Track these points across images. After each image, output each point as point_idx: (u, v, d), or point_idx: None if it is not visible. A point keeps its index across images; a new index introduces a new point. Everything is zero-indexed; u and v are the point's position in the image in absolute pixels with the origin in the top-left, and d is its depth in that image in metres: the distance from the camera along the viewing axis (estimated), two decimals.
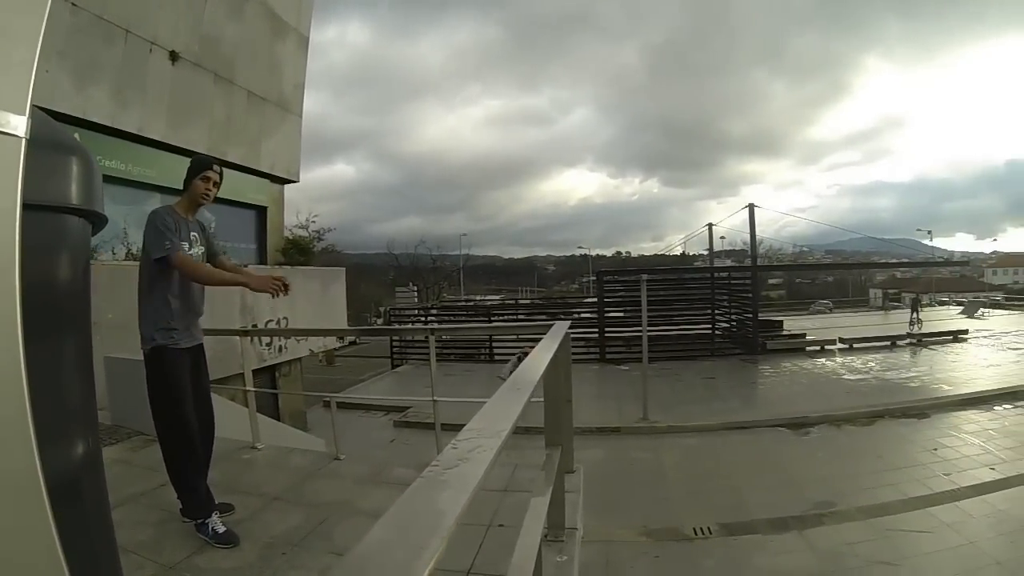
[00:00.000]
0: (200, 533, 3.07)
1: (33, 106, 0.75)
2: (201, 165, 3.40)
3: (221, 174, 3.45)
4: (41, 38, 0.75)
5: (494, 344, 21.15)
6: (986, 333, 23.61)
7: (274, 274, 3.25)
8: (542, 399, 2.53)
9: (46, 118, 0.87)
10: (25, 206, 0.72)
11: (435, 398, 4.54)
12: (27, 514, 0.73)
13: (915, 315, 28.05)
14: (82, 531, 0.89)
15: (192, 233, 3.36)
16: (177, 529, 3.25)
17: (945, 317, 31.17)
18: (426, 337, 4.88)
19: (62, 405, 0.87)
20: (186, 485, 3.19)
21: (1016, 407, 11.58)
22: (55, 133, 0.90)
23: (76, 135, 8.25)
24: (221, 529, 3.09)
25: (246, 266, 10.50)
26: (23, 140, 0.71)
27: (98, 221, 0.93)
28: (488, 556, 2.70)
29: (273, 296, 3.26)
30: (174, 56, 9.78)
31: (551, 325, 2.95)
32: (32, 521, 0.73)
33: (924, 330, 24.18)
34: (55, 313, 0.85)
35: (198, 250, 3.38)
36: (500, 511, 3.11)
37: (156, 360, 3.19)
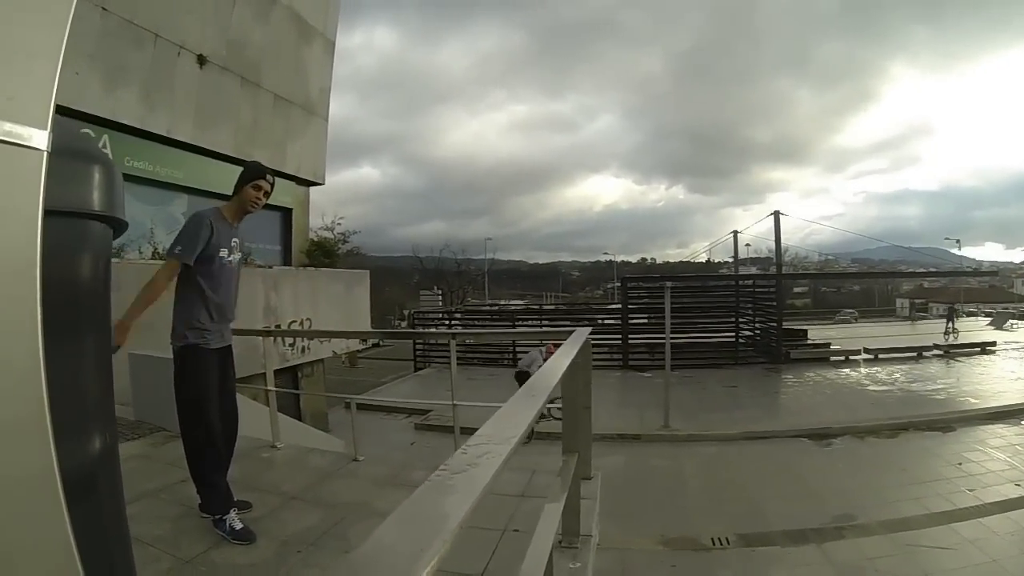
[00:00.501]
0: (217, 529, 3.11)
1: (57, 116, 0.78)
2: (254, 173, 3.40)
3: (272, 184, 3.45)
4: (63, 53, 0.78)
5: (518, 349, 21.13)
6: (1015, 345, 23.12)
7: (122, 330, 3.04)
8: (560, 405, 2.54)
9: (72, 128, 0.93)
10: (48, 212, 0.76)
11: (455, 402, 4.56)
12: (42, 509, 0.75)
13: (951, 324, 27.69)
14: (97, 526, 0.91)
15: (233, 240, 3.36)
16: (195, 524, 3.30)
17: (973, 328, 30.59)
18: (448, 341, 4.91)
19: (80, 402, 0.90)
20: (206, 481, 3.23)
21: None
22: (79, 143, 0.95)
23: (105, 137, 8.44)
24: (239, 526, 3.12)
25: (271, 267, 10.66)
26: (44, 153, 0.75)
27: (119, 226, 0.97)
28: (502, 561, 2.71)
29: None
30: (202, 60, 9.95)
31: (572, 331, 2.96)
32: (47, 516, 0.75)
33: (959, 340, 23.82)
34: (75, 313, 0.89)
35: (236, 256, 3.39)
36: (516, 516, 3.11)
37: (185, 358, 3.22)
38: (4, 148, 0.71)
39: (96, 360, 0.94)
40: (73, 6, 0.84)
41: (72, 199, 0.87)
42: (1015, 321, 34.18)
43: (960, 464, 8.92)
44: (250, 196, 3.36)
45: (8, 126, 0.71)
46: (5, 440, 0.74)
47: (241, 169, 3.44)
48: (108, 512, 0.96)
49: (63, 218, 0.85)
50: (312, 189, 13.90)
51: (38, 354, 0.74)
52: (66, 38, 0.80)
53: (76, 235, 0.89)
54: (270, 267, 10.76)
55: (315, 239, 13.41)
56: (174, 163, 9.80)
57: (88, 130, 8.27)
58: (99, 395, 0.95)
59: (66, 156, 0.86)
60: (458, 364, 17.67)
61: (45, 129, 0.74)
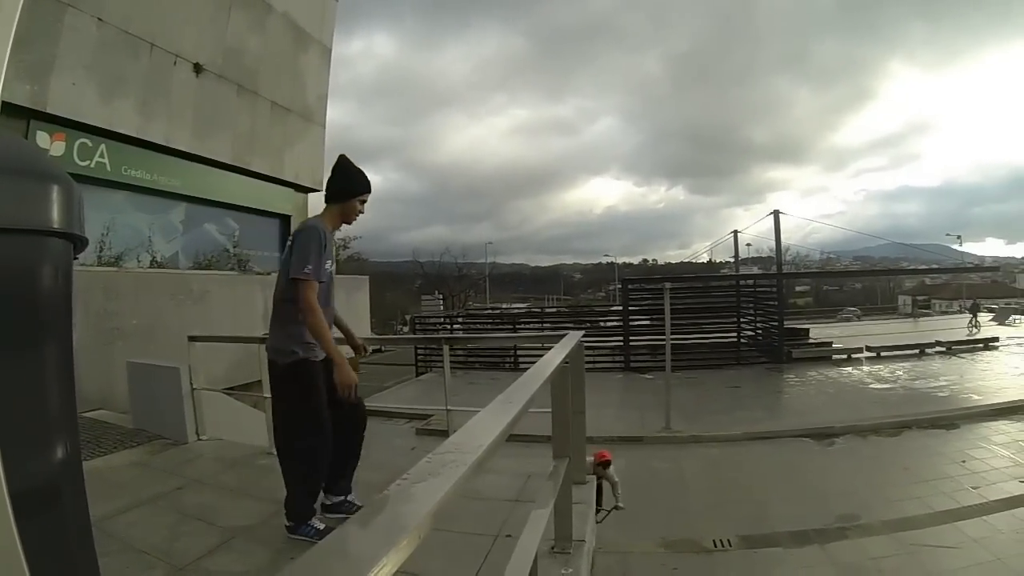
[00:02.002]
0: (298, 534, 3.11)
1: (13, 138, 0.79)
2: (364, 186, 3.34)
3: None
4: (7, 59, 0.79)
5: (519, 352, 21.09)
6: (1018, 340, 23.04)
7: (353, 376, 3.11)
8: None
9: (32, 149, 0.97)
10: (3, 230, 0.77)
11: (448, 407, 4.57)
12: None
13: (974, 318, 28.06)
14: (57, 542, 0.91)
15: (332, 248, 3.32)
16: (190, 531, 3.31)
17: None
18: (441, 346, 4.91)
19: (39, 414, 0.92)
20: (312, 488, 3.20)
21: None
22: (37, 161, 0.98)
23: (103, 146, 8.47)
24: (322, 526, 3.14)
25: (269, 274, 10.66)
26: None
27: (79, 242, 1.00)
28: (492, 568, 2.69)
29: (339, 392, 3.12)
30: (198, 68, 9.98)
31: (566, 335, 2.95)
32: None
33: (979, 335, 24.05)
34: (34, 327, 0.91)
35: (332, 266, 3.32)
36: (510, 521, 3.09)
37: (298, 372, 3.15)
38: None
39: (57, 373, 0.95)
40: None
41: (30, 217, 0.89)
42: (1018, 316, 34.15)
43: (964, 462, 8.86)
44: (356, 209, 3.32)
45: None
46: None
47: (333, 177, 3.35)
48: (71, 527, 0.96)
49: (20, 235, 0.87)
50: (311, 196, 13.92)
51: None
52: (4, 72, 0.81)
53: (34, 251, 0.91)
54: (268, 274, 10.77)
55: None
56: (172, 172, 9.83)
57: (86, 140, 8.31)
58: (60, 408, 0.96)
59: (23, 175, 0.90)
60: (461, 368, 17.77)
61: None
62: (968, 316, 31.65)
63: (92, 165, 8.45)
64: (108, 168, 8.69)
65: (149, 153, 9.34)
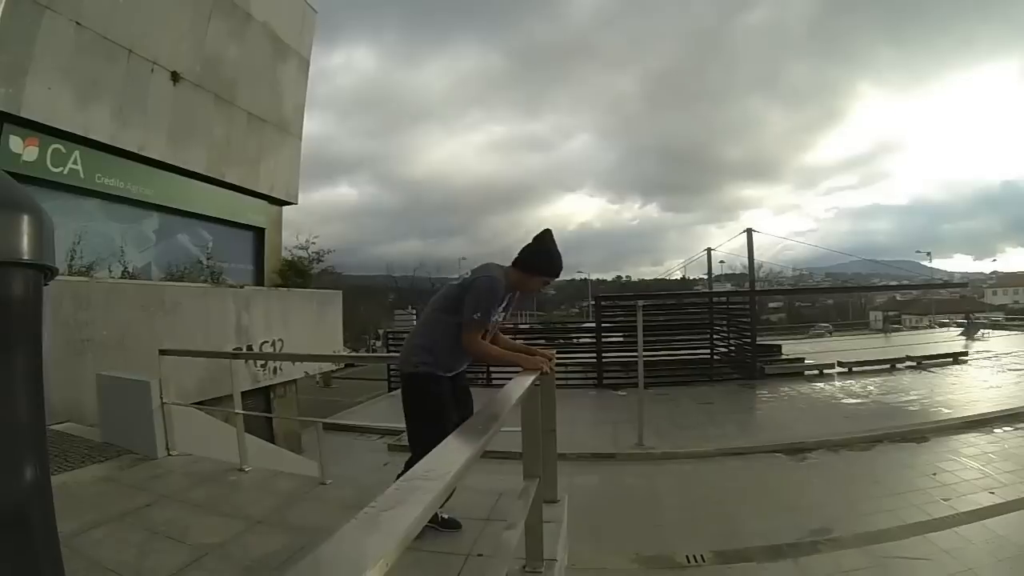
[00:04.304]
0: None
1: None
2: (556, 270, 3.29)
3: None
4: None
5: (491, 368, 20.94)
6: (987, 354, 23.48)
7: (545, 352, 3.09)
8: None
9: (2, 178, 0.96)
10: None
11: None
12: None
13: (969, 331, 29.78)
14: (22, 559, 0.90)
15: (505, 302, 3.30)
16: (159, 549, 3.25)
17: (946, 339, 31.08)
18: None
19: (8, 438, 0.91)
20: None
21: (1016, 429, 11.49)
22: (9, 192, 0.98)
23: (76, 153, 8.33)
24: (446, 515, 3.17)
25: (242, 287, 10.54)
26: None
27: (50, 272, 1.01)
28: None
29: (543, 373, 2.99)
30: (175, 76, 9.86)
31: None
32: None
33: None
34: (3, 355, 0.91)
35: (500, 316, 3.31)
36: (480, 540, 3.08)
37: (419, 380, 3.15)
38: None
39: (27, 407, 0.95)
40: None
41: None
42: (986, 330, 34.85)
43: (934, 474, 8.99)
44: (536, 287, 3.30)
45: None
46: None
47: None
48: (39, 546, 0.95)
49: None
50: (288, 208, 13.82)
51: None
52: None
53: (3, 284, 0.92)
54: (242, 287, 10.66)
55: (288, 258, 13.29)
56: (146, 181, 9.67)
57: (60, 145, 8.17)
58: (28, 427, 0.95)
59: None
60: None
61: None
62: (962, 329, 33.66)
63: (65, 172, 8.27)
64: (81, 175, 8.52)
65: (123, 161, 9.17)
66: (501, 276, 3.17)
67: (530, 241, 3.28)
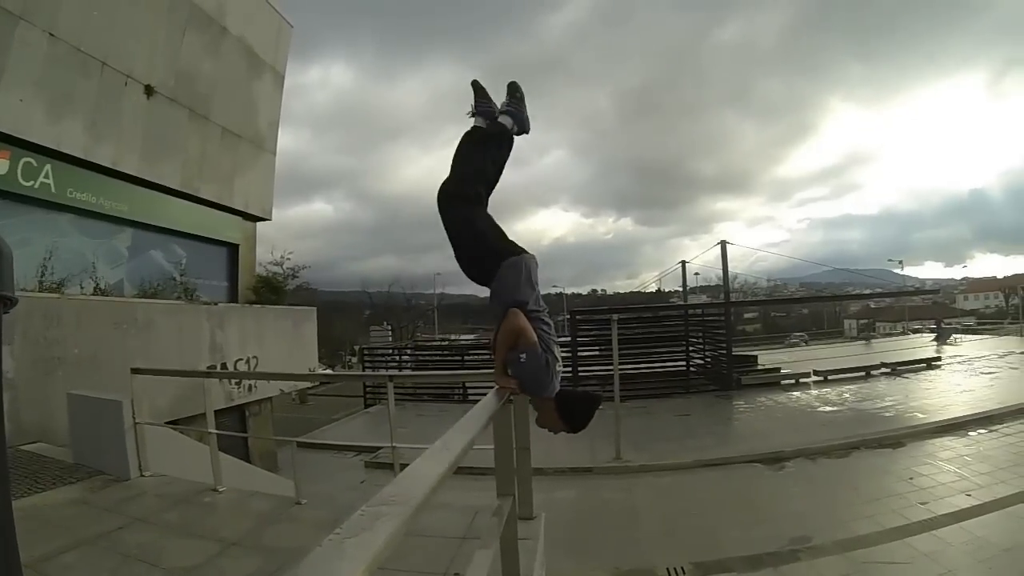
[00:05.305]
0: None
1: None
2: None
3: None
4: None
5: (468, 384, 20.88)
6: (959, 359, 23.78)
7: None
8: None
9: None
10: None
11: (394, 444, 4.56)
12: None
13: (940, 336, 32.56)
14: None
15: None
16: (132, 573, 3.18)
17: (919, 344, 31.48)
18: (385, 384, 4.90)
19: None
20: None
21: (991, 432, 11.66)
22: None
23: (48, 167, 8.19)
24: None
25: (216, 304, 10.41)
26: None
27: (8, 302, 1.01)
28: None
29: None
30: (150, 90, 9.77)
31: None
32: None
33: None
34: None
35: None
36: (457, 559, 3.06)
37: None
38: None
39: None
40: None
41: None
42: (958, 335, 35.40)
43: (911, 479, 9.09)
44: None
45: None
46: None
47: None
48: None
49: None
50: (263, 224, 13.69)
51: None
52: None
53: None
54: (216, 304, 10.51)
55: (263, 275, 13.16)
56: (119, 196, 9.54)
57: (31, 159, 8.03)
58: None
59: None
60: (410, 400, 17.73)
61: None
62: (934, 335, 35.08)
63: (36, 186, 8.13)
64: (53, 189, 8.37)
65: (96, 175, 9.04)
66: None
67: None
